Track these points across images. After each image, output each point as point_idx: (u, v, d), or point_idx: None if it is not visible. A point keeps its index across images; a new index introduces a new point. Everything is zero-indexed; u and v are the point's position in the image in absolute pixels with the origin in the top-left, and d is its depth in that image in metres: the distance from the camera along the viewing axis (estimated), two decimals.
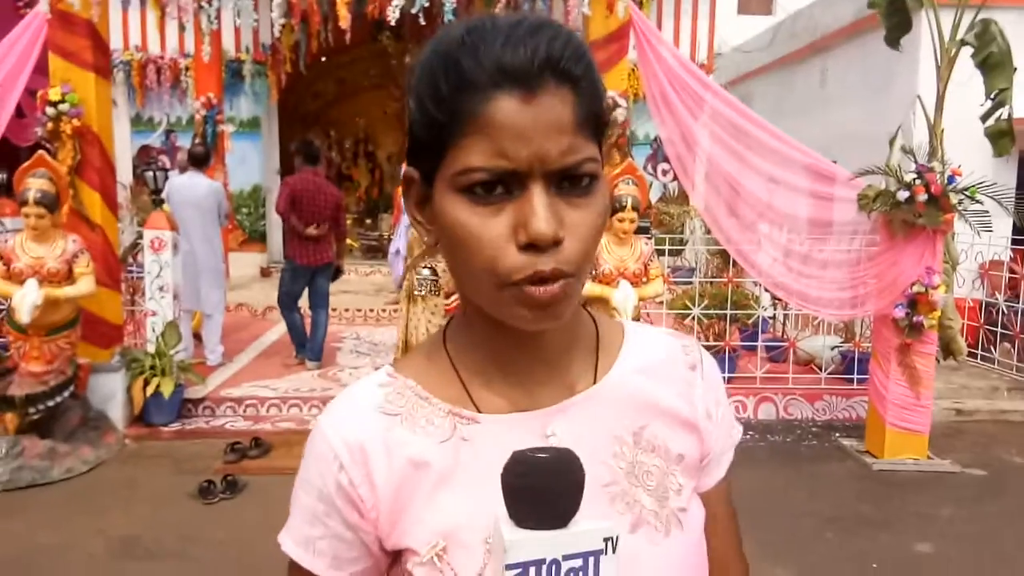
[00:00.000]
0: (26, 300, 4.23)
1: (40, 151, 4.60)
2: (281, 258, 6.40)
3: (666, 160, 10.39)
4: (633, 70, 6.52)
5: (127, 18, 8.91)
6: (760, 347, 6.03)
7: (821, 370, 5.71)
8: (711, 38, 10.34)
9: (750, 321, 5.97)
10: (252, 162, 10.07)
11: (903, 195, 4.44)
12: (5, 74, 4.79)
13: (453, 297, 4.50)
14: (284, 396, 5.50)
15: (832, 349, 5.89)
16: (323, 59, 10.68)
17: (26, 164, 4.46)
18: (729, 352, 5.69)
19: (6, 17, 8.01)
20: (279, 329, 7.20)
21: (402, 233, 7.95)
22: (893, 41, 5.46)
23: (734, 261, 5.58)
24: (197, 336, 6.27)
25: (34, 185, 4.36)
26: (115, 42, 6.37)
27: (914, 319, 4.61)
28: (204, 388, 5.41)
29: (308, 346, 6.27)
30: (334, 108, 12.62)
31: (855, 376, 5.58)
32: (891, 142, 4.88)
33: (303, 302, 6.29)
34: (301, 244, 6.05)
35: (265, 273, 9.80)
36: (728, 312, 5.74)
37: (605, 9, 4.90)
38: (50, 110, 4.73)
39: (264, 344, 7.06)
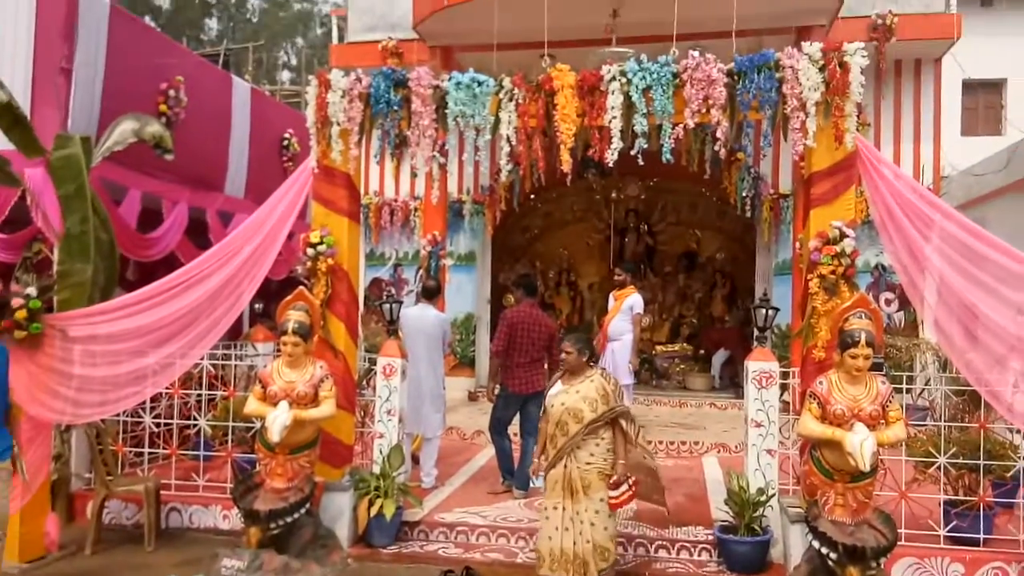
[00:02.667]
0: (278, 421, 4.66)
1: (300, 287, 5.20)
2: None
3: (889, 288, 9.75)
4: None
5: (369, 168, 10.12)
6: (1021, 504, 5.23)
7: None
8: (936, 161, 9.81)
9: (1008, 474, 5.22)
10: (466, 292, 10.72)
11: None
12: (276, 220, 5.54)
13: (622, 489, 4.40)
14: (493, 524, 5.54)
15: None
16: (532, 197, 11.37)
17: (288, 298, 5.06)
18: (984, 510, 4.98)
19: (273, 167, 9.39)
20: (487, 453, 7.36)
21: (607, 361, 8.00)
22: None
23: (984, 402, 4.98)
24: (414, 458, 6.56)
25: (293, 316, 4.92)
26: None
27: None
28: (420, 511, 5.59)
29: (516, 474, 6.33)
30: (540, 240, 13.23)
31: None
32: None
33: (514, 429, 6.42)
34: (515, 372, 6.25)
35: (472, 397, 10.16)
36: (981, 462, 5.06)
37: (832, 142, 4.82)
38: (310, 251, 5.37)
39: (473, 468, 7.22)
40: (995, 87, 15.76)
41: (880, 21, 9.00)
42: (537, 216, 13.05)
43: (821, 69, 4.72)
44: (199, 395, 6.18)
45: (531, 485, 6.09)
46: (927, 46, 9.47)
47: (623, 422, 4.48)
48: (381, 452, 5.57)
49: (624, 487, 4.40)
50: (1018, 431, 5.04)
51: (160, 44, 7.34)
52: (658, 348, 11.85)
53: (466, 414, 9.31)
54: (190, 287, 5.37)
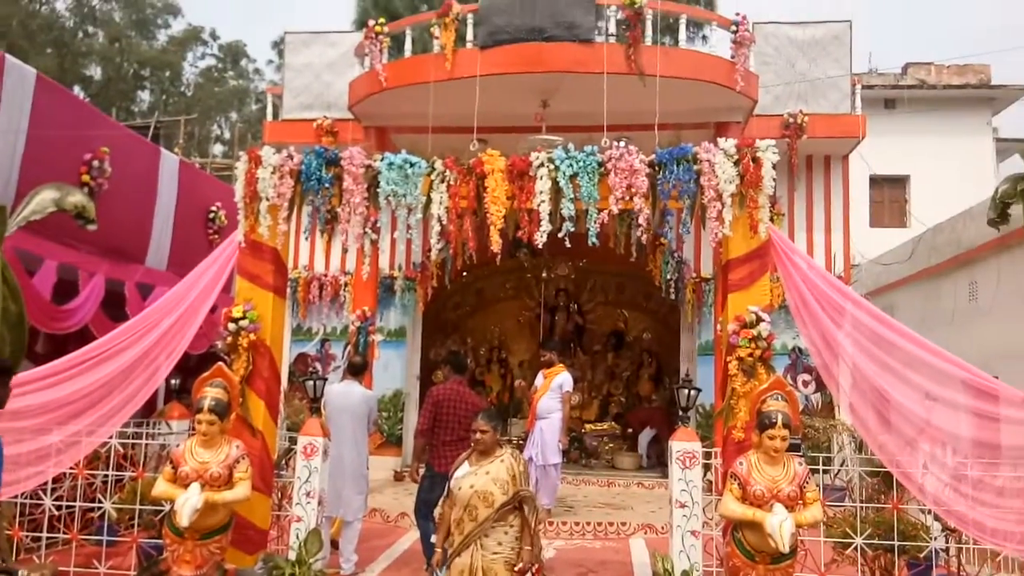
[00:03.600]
0: (188, 504, 4.44)
1: (219, 363, 5.07)
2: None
3: (806, 370, 10.09)
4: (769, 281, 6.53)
5: (299, 243, 10.07)
6: None
7: None
8: (846, 250, 10.36)
9: (921, 555, 5.37)
10: (395, 368, 10.60)
11: None
12: (198, 294, 5.44)
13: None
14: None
15: None
16: (464, 274, 11.46)
17: (205, 375, 4.91)
18: None
19: (198, 240, 9.24)
20: (412, 536, 7.15)
21: (536, 440, 7.99)
22: None
23: (897, 483, 5.16)
24: (334, 543, 6.31)
25: (210, 394, 4.76)
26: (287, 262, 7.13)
27: None
28: None
29: None
30: (472, 318, 13.27)
31: None
32: None
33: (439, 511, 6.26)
34: (441, 451, 6.15)
35: (398, 477, 9.92)
36: (895, 543, 5.20)
37: (748, 231, 5.07)
38: (231, 325, 5.26)
39: (396, 552, 6.98)
40: (899, 182, 16.91)
41: (792, 120, 9.64)
42: (469, 293, 13.13)
43: (736, 163, 5.01)
44: (105, 476, 5.85)
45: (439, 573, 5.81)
46: (836, 144, 10.15)
47: (526, 507, 4.21)
48: (298, 537, 5.35)
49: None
50: (930, 511, 5.21)
51: (86, 114, 7.28)
52: (587, 426, 11.86)
53: (391, 495, 9.06)
54: (103, 361, 5.20)
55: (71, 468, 5.43)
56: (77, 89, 26.43)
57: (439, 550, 4.28)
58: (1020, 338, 7.67)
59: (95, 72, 27.77)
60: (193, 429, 4.90)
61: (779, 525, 4.18)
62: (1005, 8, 53.99)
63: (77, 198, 5.72)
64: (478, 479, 4.18)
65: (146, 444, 6.28)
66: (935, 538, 5.51)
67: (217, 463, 4.68)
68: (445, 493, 6.09)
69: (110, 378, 5.17)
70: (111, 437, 5.50)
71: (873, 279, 11.94)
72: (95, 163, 6.94)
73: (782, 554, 4.30)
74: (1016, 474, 4.62)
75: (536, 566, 4.19)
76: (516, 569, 4.10)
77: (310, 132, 9.90)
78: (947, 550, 5.96)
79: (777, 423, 4.39)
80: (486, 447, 4.30)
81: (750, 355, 5.00)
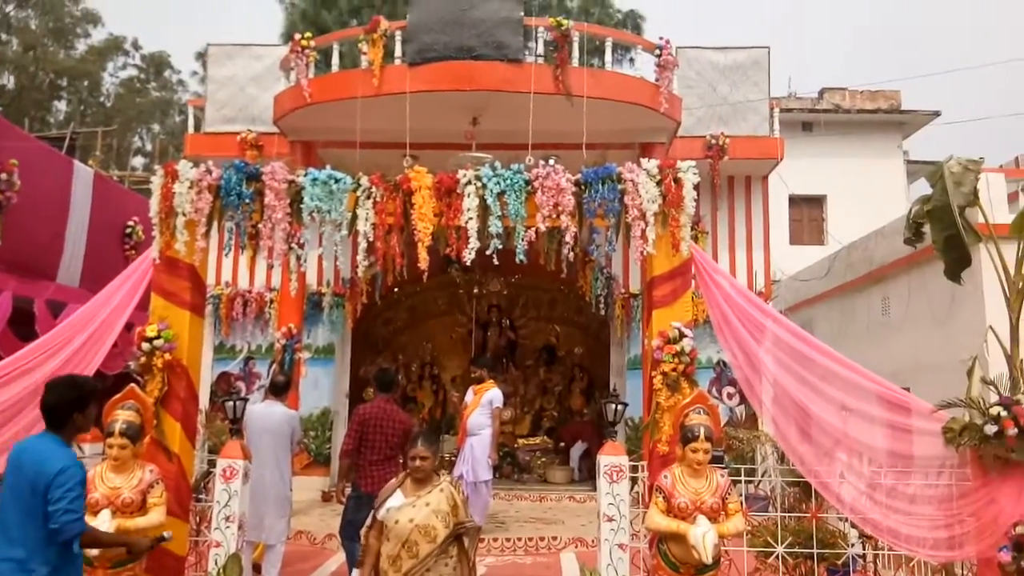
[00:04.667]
0: None
1: (131, 384, 4.86)
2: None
3: (731, 383, 10.34)
4: (693, 297, 6.70)
5: (221, 259, 9.79)
6: None
7: None
8: (767, 267, 10.70)
9: (839, 561, 5.54)
10: (324, 386, 10.39)
11: (991, 429, 4.28)
12: (110, 312, 5.23)
13: None
14: None
15: None
16: (396, 290, 11.35)
17: (117, 396, 4.70)
18: None
19: (113, 255, 8.90)
20: (339, 559, 6.99)
21: (467, 457, 7.93)
22: (954, 275, 5.52)
23: (816, 492, 5.32)
24: (256, 568, 6.11)
25: (121, 416, 4.56)
26: (208, 278, 6.92)
27: (1022, 563, 4.22)
28: None
29: None
30: (403, 334, 13.16)
31: None
32: (969, 373, 4.78)
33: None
34: (368, 470, 6.03)
35: (327, 498, 9.68)
36: (815, 551, 5.35)
37: (670, 249, 5.17)
38: (145, 345, 5.06)
39: (323, 575, 6.82)
40: (817, 202, 17.60)
41: (714, 141, 9.94)
42: (401, 309, 13.01)
43: (658, 183, 5.13)
44: None
45: None
46: (756, 165, 10.51)
47: (466, 539, 3.98)
48: (217, 563, 5.16)
49: None
50: (847, 520, 5.38)
51: None
52: (520, 441, 11.88)
53: (318, 516, 8.85)
54: (10, 382, 4.97)
55: None
56: None
57: None
58: (928, 351, 8.03)
59: (7, 81, 26.54)
60: (105, 453, 4.69)
61: (702, 536, 4.25)
62: (914, 37, 57.14)
63: None
64: (417, 512, 3.83)
65: None
66: (852, 545, 5.70)
67: (129, 488, 4.49)
68: (369, 522, 5.83)
69: (18, 399, 4.95)
70: None
71: (792, 294, 12.35)
72: (2, 176, 6.63)
73: (706, 565, 4.37)
74: (927, 482, 4.82)
75: None
76: None
77: (234, 145, 9.68)
78: (864, 556, 6.18)
79: (699, 436, 4.48)
80: (425, 474, 3.95)
81: (674, 370, 5.09)
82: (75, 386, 3.77)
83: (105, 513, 4.35)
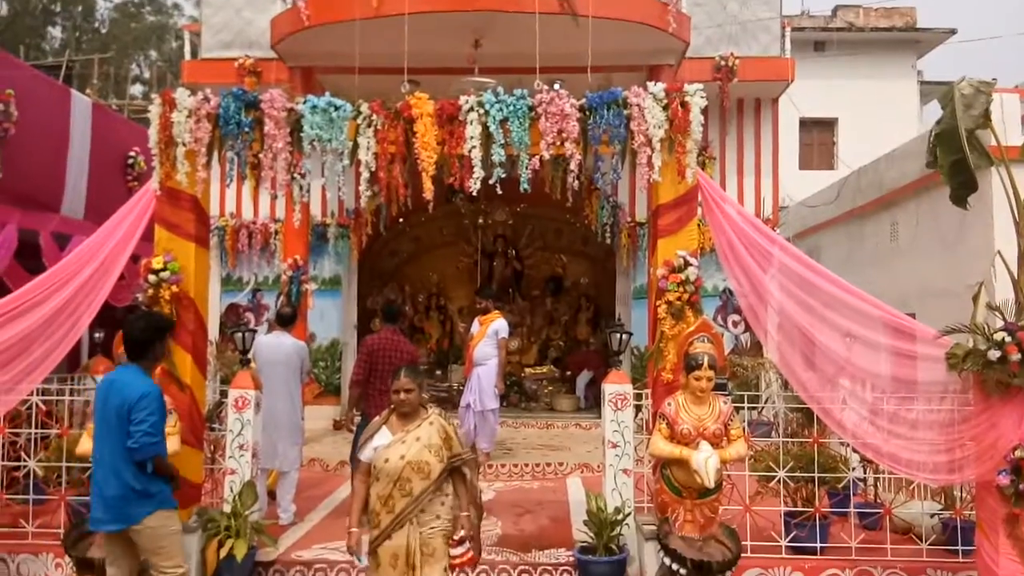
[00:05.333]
0: None
1: None
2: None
3: (736, 311, 10.35)
4: (699, 225, 6.66)
5: (224, 190, 9.72)
6: (853, 513, 5.67)
7: (921, 540, 5.29)
8: (775, 193, 10.56)
9: (840, 485, 5.65)
10: (331, 318, 10.45)
11: (995, 355, 4.28)
12: (115, 244, 5.22)
13: (465, 547, 3.69)
14: (354, 560, 5.37)
15: (932, 517, 5.47)
16: (400, 221, 11.29)
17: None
18: (820, 520, 5.35)
19: (116, 187, 8.84)
20: (350, 485, 7.16)
21: (473, 387, 8.05)
22: (960, 200, 5.42)
23: (817, 418, 5.38)
24: (271, 494, 6.28)
25: None
26: (212, 209, 6.89)
27: (1020, 487, 4.30)
28: (275, 551, 5.36)
29: None
30: (409, 264, 13.16)
31: (960, 547, 5.14)
32: (975, 299, 4.76)
33: None
34: (377, 399, 6.13)
35: (338, 426, 9.89)
36: (816, 475, 5.45)
37: (676, 176, 5.09)
38: (152, 277, 5.07)
39: (336, 501, 7.00)
40: (828, 125, 17.26)
41: (723, 63, 9.66)
42: (406, 240, 12.98)
43: (664, 108, 5.00)
44: (29, 433, 5.66)
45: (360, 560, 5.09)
46: (766, 87, 10.24)
47: (467, 471, 3.80)
48: (232, 489, 5.30)
49: (466, 545, 3.70)
50: (848, 444, 5.46)
51: None
52: (527, 371, 12.02)
53: (330, 444, 9.05)
54: (21, 314, 4.99)
55: None
56: None
57: (354, 531, 3.73)
58: (936, 277, 8.00)
59: (1, 7, 25.89)
60: None
61: (704, 461, 4.34)
62: None
63: None
64: (408, 448, 3.64)
65: (70, 400, 6.07)
66: (853, 469, 5.80)
67: None
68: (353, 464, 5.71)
69: (29, 331, 4.99)
70: (33, 394, 5.31)
71: (800, 221, 12.25)
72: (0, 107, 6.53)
73: (708, 489, 4.47)
74: (929, 407, 4.85)
75: (472, 534, 3.78)
76: (456, 539, 3.69)
77: (231, 72, 9.47)
78: (864, 480, 6.31)
79: (703, 364, 4.52)
80: (411, 408, 3.75)
81: (678, 299, 5.08)
82: (155, 318, 4.34)
83: None
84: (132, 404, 3.81)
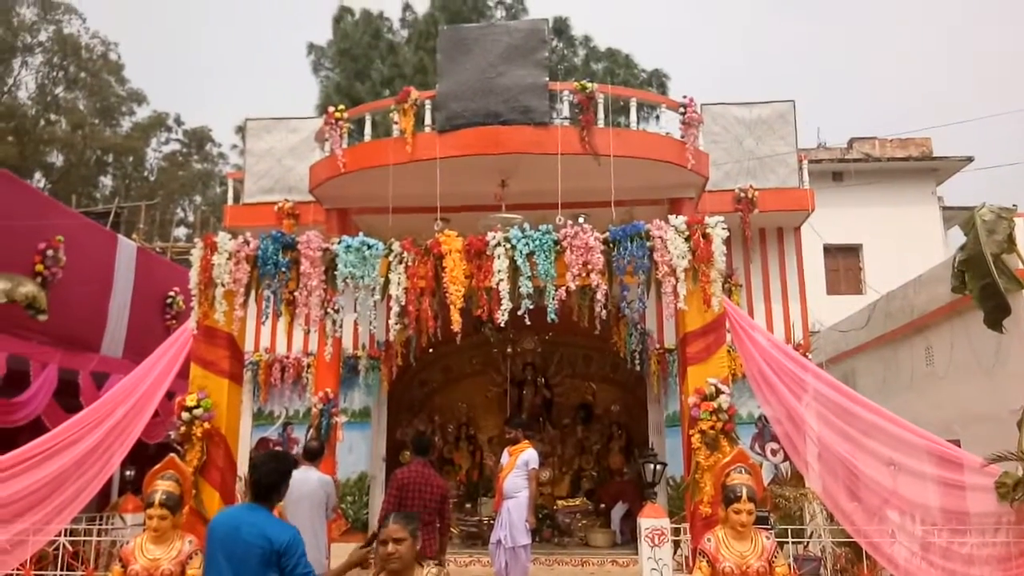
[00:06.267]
0: None
1: (171, 454, 4.92)
2: None
3: (774, 439, 10.05)
4: (729, 351, 6.64)
5: (259, 326, 9.96)
6: None
7: None
8: (804, 318, 10.52)
9: None
10: (360, 450, 10.35)
11: None
12: (151, 383, 5.33)
13: None
14: None
15: None
16: (430, 351, 11.37)
17: (157, 467, 4.76)
18: None
19: (155, 325, 9.09)
20: None
21: (504, 521, 7.80)
22: (994, 324, 5.40)
23: (867, 553, 5.12)
24: None
25: (161, 487, 4.60)
26: (247, 345, 7.03)
27: None
28: None
29: None
30: (439, 394, 13.13)
31: None
32: (1020, 424, 4.62)
33: None
34: None
35: (365, 565, 9.58)
36: None
37: (702, 304, 5.15)
38: (185, 415, 5.13)
39: None
40: (853, 251, 17.39)
41: (743, 195, 9.93)
42: (435, 370, 13.02)
43: (687, 239, 5.14)
44: None
45: None
46: (787, 216, 10.45)
47: None
48: None
49: None
50: None
51: (40, 203, 7.25)
52: (559, 503, 11.65)
53: None
54: (55, 454, 5.05)
55: (17, 569, 5.17)
56: (38, 176, 26.32)
57: None
58: (976, 401, 7.79)
59: (56, 159, 27.73)
60: (145, 524, 4.72)
61: None
62: (942, 81, 57.08)
63: (28, 288, 5.65)
64: None
65: (97, 540, 6.01)
66: None
67: (169, 560, 4.49)
68: None
69: (62, 470, 5.02)
70: (60, 535, 5.27)
71: (833, 346, 12.11)
72: (49, 252, 6.87)
73: None
74: (983, 540, 4.61)
75: None
76: None
77: (271, 215, 9.94)
78: None
79: (742, 497, 4.37)
80: (402, 565, 3.04)
81: (712, 428, 5.00)
82: (282, 460, 4.26)
83: None
84: (283, 549, 3.74)
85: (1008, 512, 4.40)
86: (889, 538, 4.81)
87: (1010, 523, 4.44)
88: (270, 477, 4.03)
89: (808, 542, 7.54)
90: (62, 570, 5.53)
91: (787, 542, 6.38)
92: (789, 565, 4.65)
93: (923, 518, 4.80)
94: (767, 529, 5.00)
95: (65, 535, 5.39)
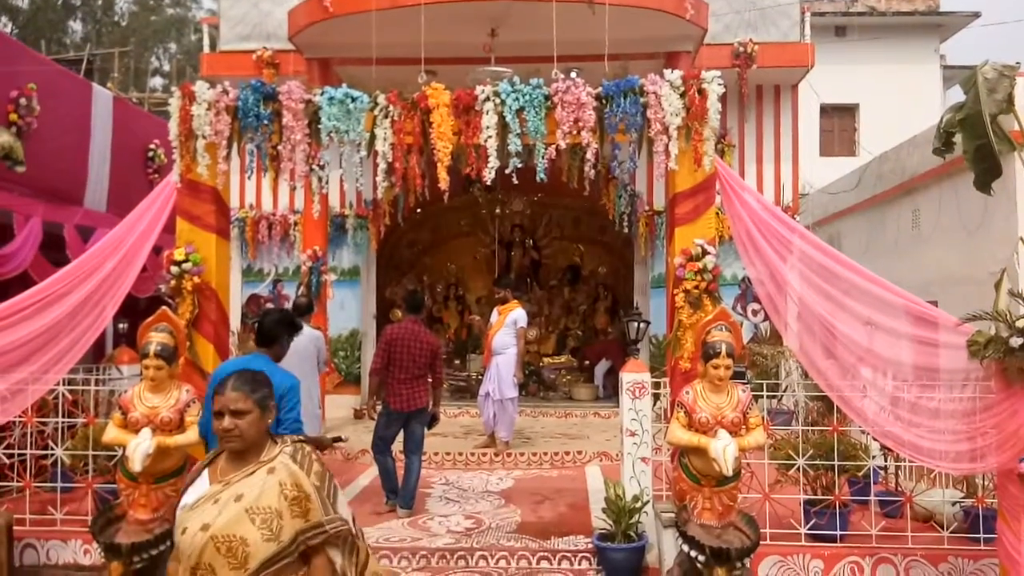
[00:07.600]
0: (140, 449, 4.41)
1: (163, 307, 4.97)
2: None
3: (755, 300, 10.29)
4: (717, 213, 6.63)
5: (244, 181, 9.81)
6: (873, 501, 5.64)
7: (942, 528, 5.26)
8: (795, 181, 10.47)
9: (860, 473, 5.62)
10: (351, 308, 10.53)
11: (1017, 342, 4.23)
12: (137, 236, 5.29)
13: None
14: (376, 545, 5.44)
15: (953, 505, 5.43)
16: (418, 211, 11.32)
17: (149, 319, 4.81)
18: (840, 507, 5.33)
19: (137, 179, 8.94)
20: (371, 473, 7.24)
21: (492, 376, 8.10)
22: (984, 186, 5.36)
23: (838, 407, 5.35)
24: None
25: (155, 339, 4.67)
26: (232, 201, 6.95)
27: None
28: None
29: (400, 493, 6.26)
30: (427, 255, 13.21)
31: (982, 535, 5.11)
32: (997, 285, 4.70)
33: (397, 447, 6.36)
34: (396, 389, 6.19)
35: (358, 415, 9.98)
36: (836, 463, 5.42)
37: (693, 164, 5.07)
38: (174, 269, 5.14)
39: (356, 489, 7.09)
40: (849, 111, 17.05)
41: (742, 49, 9.57)
42: (424, 230, 13.02)
43: (682, 95, 4.98)
44: (56, 423, 5.77)
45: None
46: (785, 73, 10.14)
47: (336, 557, 2.37)
48: None
49: None
50: (868, 433, 5.42)
51: (9, 48, 6.88)
52: (545, 360, 12.04)
53: (351, 432, 9.09)
54: (47, 306, 5.07)
55: (19, 416, 5.34)
56: (4, 20, 24.94)
57: None
58: (958, 264, 7.90)
59: (22, 1, 26.17)
60: (142, 374, 4.84)
61: (723, 449, 4.33)
62: None
63: (4, 138, 5.48)
64: (219, 513, 2.26)
65: (96, 390, 6.18)
66: (874, 457, 5.77)
67: (167, 408, 4.63)
68: (421, 429, 5.66)
69: (55, 322, 5.06)
70: (59, 384, 5.41)
71: (821, 208, 12.13)
72: (22, 101, 6.60)
73: (726, 477, 4.47)
74: (950, 396, 4.81)
75: None
76: None
77: (250, 64, 9.53)
78: (885, 468, 6.27)
79: (721, 353, 4.50)
80: (244, 443, 2.34)
81: (696, 287, 5.07)
82: (286, 315, 4.54)
83: (146, 431, 4.51)
84: (283, 394, 3.92)
85: (976, 369, 4.55)
86: (860, 393, 5.00)
87: (978, 379, 4.61)
88: (272, 328, 4.32)
89: (782, 396, 7.88)
90: (63, 417, 5.72)
91: (762, 395, 6.66)
92: (763, 417, 4.86)
93: (895, 375, 4.98)
94: (743, 383, 5.20)
95: (63, 384, 5.53)
